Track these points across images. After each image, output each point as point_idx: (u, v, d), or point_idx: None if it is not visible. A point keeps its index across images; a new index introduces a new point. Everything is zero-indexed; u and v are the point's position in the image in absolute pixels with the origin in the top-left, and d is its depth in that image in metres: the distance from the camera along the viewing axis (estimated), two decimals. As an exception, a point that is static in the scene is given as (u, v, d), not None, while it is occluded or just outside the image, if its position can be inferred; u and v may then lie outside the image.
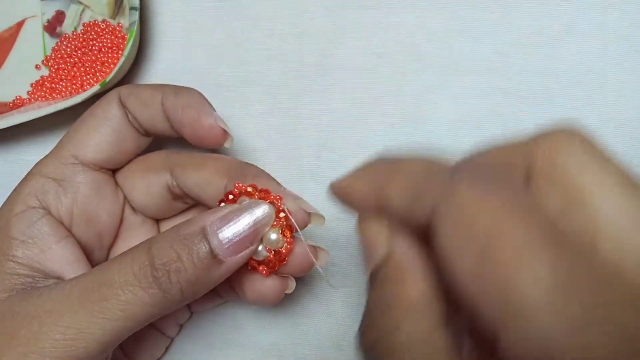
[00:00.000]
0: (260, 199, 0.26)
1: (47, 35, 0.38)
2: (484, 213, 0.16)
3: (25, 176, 0.29)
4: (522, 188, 0.18)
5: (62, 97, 0.37)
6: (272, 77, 0.36)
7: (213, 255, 0.24)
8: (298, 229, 0.26)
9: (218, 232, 0.24)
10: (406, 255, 0.21)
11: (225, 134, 0.29)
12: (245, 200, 0.26)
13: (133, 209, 0.31)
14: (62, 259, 0.27)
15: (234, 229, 0.25)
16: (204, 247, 0.24)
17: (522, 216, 0.16)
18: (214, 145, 0.29)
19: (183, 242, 0.24)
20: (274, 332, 0.35)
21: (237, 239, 0.25)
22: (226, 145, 0.29)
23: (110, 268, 0.24)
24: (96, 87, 0.33)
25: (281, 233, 0.26)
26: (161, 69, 0.37)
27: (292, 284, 0.29)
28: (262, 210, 0.25)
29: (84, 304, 0.23)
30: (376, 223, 0.22)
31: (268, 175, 0.28)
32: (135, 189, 0.30)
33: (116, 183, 0.31)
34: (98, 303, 0.23)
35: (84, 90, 0.36)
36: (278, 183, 0.28)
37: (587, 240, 0.17)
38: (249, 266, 0.27)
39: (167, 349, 0.35)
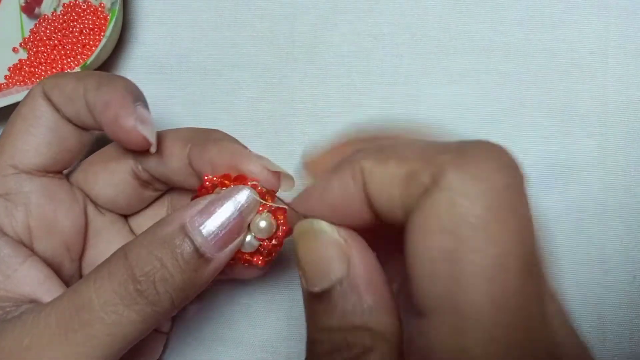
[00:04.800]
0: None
1: (24, 16, 0.36)
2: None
3: None
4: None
5: (41, 81, 0.35)
6: (263, 60, 0.35)
7: (199, 254, 0.22)
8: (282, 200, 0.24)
9: (200, 227, 0.22)
10: (368, 268, 0.20)
11: (145, 140, 0.24)
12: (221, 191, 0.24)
13: (99, 210, 0.29)
14: (31, 279, 0.24)
15: (217, 221, 0.22)
16: (187, 247, 0.22)
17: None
18: (138, 149, 0.25)
19: (163, 245, 0.21)
20: (266, 328, 0.33)
21: (222, 232, 0.22)
22: (151, 150, 0.25)
23: (86, 288, 0.21)
24: (77, 71, 0.32)
25: (272, 217, 0.24)
26: (145, 51, 0.36)
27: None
28: (244, 195, 0.23)
29: (65, 334, 0.21)
30: (326, 238, 0.20)
31: (231, 138, 0.26)
32: (98, 183, 0.27)
33: (71, 184, 0.28)
34: (80, 331, 0.21)
35: (64, 74, 0.34)
36: (243, 146, 0.26)
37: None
38: (241, 262, 0.24)
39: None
